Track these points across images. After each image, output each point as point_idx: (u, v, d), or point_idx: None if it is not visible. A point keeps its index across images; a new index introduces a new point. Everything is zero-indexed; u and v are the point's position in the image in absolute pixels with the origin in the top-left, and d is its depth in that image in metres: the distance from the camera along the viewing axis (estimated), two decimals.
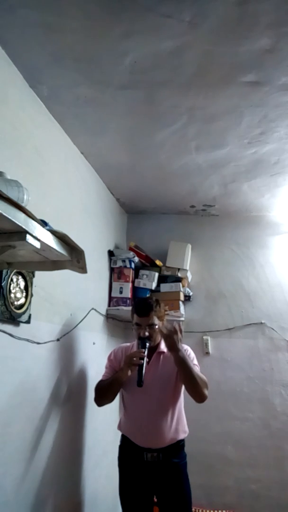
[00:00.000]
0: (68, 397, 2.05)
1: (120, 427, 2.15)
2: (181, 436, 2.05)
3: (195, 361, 2.08)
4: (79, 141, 2.22)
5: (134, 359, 1.94)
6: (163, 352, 2.10)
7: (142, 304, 2.10)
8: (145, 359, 1.94)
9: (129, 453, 2.06)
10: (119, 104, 1.88)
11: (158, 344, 2.11)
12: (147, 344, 2.00)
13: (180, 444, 2.05)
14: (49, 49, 1.55)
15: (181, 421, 2.07)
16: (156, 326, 2.06)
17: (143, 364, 1.91)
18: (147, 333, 2.02)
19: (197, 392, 1.95)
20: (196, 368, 2.02)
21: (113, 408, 2.70)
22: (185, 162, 2.41)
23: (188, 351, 2.10)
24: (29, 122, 1.75)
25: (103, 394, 2.09)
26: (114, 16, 1.38)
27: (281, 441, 2.80)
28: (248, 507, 2.72)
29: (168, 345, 1.96)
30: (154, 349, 2.09)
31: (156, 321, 2.06)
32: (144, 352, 1.94)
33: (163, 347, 2.11)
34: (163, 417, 2.00)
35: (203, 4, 1.33)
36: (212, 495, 2.73)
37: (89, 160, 2.44)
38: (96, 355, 2.45)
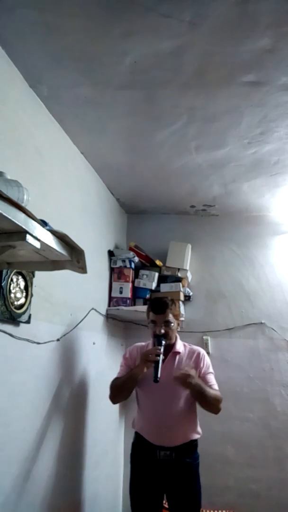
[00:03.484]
0: (68, 397, 2.05)
1: (133, 425, 2.17)
2: (194, 436, 2.07)
3: (210, 369, 2.13)
4: (79, 141, 2.22)
5: (150, 355, 1.96)
6: (179, 353, 2.12)
7: (158, 302, 2.14)
8: (161, 356, 1.95)
9: (142, 450, 2.08)
10: (119, 104, 1.88)
11: (174, 344, 2.13)
12: (163, 342, 2.01)
13: (193, 444, 2.07)
14: (49, 49, 1.55)
15: (194, 421, 2.10)
16: (172, 324, 2.08)
17: (159, 360, 1.92)
18: (163, 331, 2.05)
19: (212, 410, 2.03)
20: (211, 378, 2.07)
21: (113, 408, 2.70)
22: (185, 162, 2.41)
23: (204, 358, 2.14)
24: (29, 122, 1.75)
25: (118, 391, 2.12)
26: (114, 16, 1.38)
27: (281, 441, 2.80)
28: (248, 507, 2.72)
29: (181, 384, 1.96)
30: (169, 348, 2.10)
31: (172, 319, 2.09)
32: (160, 349, 1.96)
33: (178, 347, 2.14)
34: (176, 416, 2.02)
35: (203, 4, 1.33)
36: (212, 495, 2.72)
37: (89, 160, 2.44)
38: (96, 355, 2.45)
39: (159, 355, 1.94)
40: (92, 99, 1.84)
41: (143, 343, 2.25)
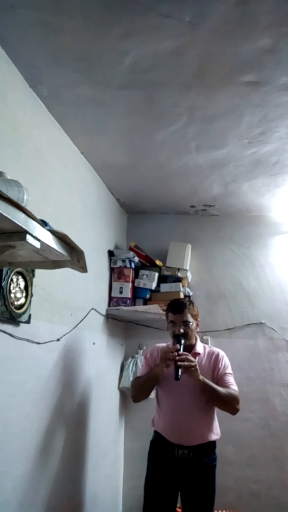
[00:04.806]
0: (68, 397, 2.05)
1: (153, 424, 2.18)
2: (213, 437, 2.08)
3: (229, 369, 2.12)
4: (79, 141, 2.22)
5: (169, 354, 1.96)
6: (199, 354, 2.13)
7: (176, 302, 2.17)
8: None
9: (160, 448, 2.09)
10: (119, 104, 1.88)
11: (194, 345, 2.14)
12: (182, 341, 2.02)
13: (211, 445, 2.08)
14: (49, 49, 1.55)
15: (212, 422, 2.10)
16: (191, 323, 2.10)
17: (178, 359, 1.92)
18: (181, 330, 2.06)
19: (227, 409, 2.04)
20: (229, 378, 2.06)
21: (113, 408, 2.70)
22: (185, 162, 2.41)
23: (223, 359, 2.13)
24: (29, 122, 1.75)
25: (139, 390, 2.13)
26: (114, 16, 1.38)
27: (281, 441, 2.80)
28: (248, 507, 2.72)
29: (187, 376, 1.95)
30: (189, 349, 2.10)
31: (190, 318, 2.11)
32: (180, 349, 1.96)
33: (198, 348, 2.15)
34: (196, 415, 2.03)
35: (203, 4, 1.33)
36: None
37: (89, 160, 2.44)
38: (96, 355, 2.46)
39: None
40: (92, 99, 1.84)
41: (163, 344, 2.26)
